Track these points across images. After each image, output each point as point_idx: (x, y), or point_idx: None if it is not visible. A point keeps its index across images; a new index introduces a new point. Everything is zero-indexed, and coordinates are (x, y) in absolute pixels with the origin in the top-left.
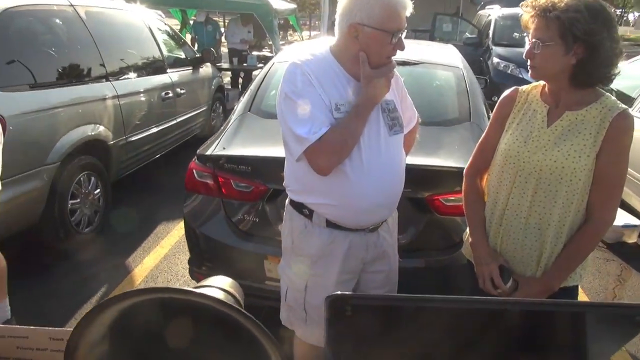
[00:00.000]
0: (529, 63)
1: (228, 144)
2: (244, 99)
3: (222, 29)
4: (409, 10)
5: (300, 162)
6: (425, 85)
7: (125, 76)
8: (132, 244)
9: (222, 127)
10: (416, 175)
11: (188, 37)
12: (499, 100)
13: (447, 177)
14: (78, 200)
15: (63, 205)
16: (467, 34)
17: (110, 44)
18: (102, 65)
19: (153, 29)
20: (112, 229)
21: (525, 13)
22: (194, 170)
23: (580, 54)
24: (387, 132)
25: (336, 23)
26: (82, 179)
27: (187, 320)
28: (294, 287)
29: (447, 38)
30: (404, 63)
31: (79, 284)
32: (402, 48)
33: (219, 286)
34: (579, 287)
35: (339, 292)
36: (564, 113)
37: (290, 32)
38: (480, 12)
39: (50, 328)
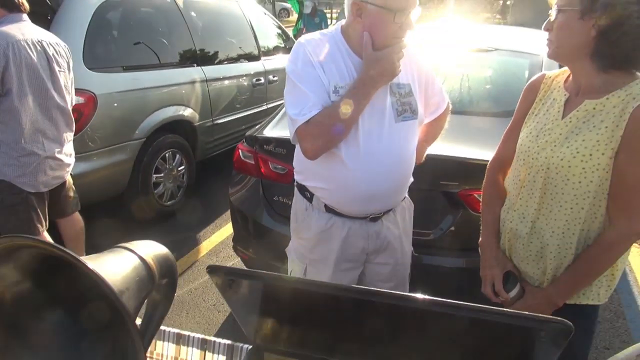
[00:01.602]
0: (547, 37)
1: (272, 127)
2: None
3: (332, 21)
4: None
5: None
6: (491, 74)
7: (216, 62)
8: (207, 219)
9: (276, 110)
10: (451, 168)
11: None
12: (524, 87)
13: (484, 172)
14: (162, 174)
15: (147, 178)
16: None
17: (205, 31)
18: (194, 51)
19: (252, 18)
20: (192, 203)
21: None
22: (240, 150)
23: (602, 22)
24: (394, 118)
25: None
26: (167, 155)
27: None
28: (295, 269)
29: None
30: (475, 50)
31: None
32: (409, 28)
33: (141, 253)
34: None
35: (214, 264)
36: (583, 102)
37: None
38: None
39: None
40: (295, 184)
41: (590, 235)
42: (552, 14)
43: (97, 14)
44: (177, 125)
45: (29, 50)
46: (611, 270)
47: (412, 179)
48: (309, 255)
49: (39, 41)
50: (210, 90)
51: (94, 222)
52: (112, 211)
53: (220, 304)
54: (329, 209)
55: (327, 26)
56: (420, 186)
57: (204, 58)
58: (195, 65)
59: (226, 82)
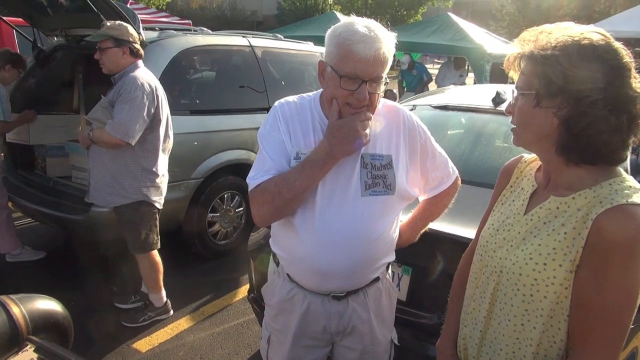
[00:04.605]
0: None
1: None
2: None
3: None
4: (375, 61)
5: None
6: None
7: None
8: None
9: None
10: (454, 247)
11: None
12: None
13: None
14: (218, 214)
15: (202, 216)
16: None
17: (281, 80)
18: (266, 98)
19: None
20: (246, 246)
21: (512, 52)
22: None
23: (565, 111)
24: (360, 191)
25: None
26: (226, 196)
27: None
28: (263, 336)
29: None
30: (475, 110)
31: (190, 286)
32: (359, 97)
33: (13, 307)
34: None
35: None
36: (548, 198)
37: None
38: None
39: None
40: None
41: None
42: (513, 95)
43: (174, 60)
44: (241, 168)
45: (162, 90)
46: None
47: (389, 258)
48: (272, 324)
49: (159, 83)
50: None
51: None
52: (166, 244)
53: (235, 353)
54: (292, 279)
55: (428, 76)
56: (425, 265)
57: None
58: (266, 112)
59: None
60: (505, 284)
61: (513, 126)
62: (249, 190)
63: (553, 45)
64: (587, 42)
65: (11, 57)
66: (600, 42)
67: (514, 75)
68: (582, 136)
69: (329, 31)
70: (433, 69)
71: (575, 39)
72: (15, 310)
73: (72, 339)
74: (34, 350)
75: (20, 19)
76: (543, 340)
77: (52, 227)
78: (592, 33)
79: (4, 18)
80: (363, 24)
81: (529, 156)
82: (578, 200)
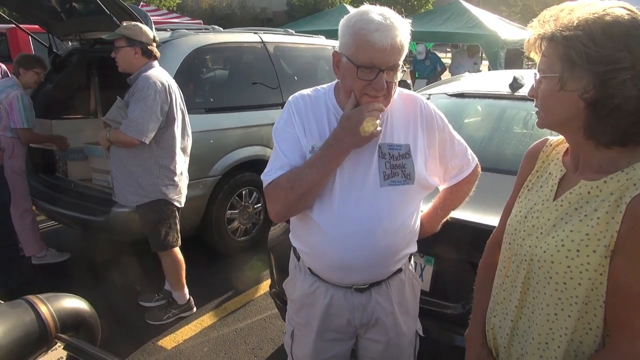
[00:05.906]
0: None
1: None
2: None
3: (447, 60)
4: (391, 50)
5: None
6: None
7: None
8: None
9: None
10: (476, 236)
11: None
12: (525, 153)
13: None
14: (236, 211)
15: (220, 213)
16: None
17: (294, 75)
18: (280, 94)
19: None
20: (265, 241)
21: (531, 33)
22: None
23: (591, 94)
24: (379, 182)
25: None
26: (243, 192)
27: None
28: (287, 331)
29: None
30: (492, 96)
31: (211, 283)
32: (377, 87)
33: (41, 306)
34: None
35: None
36: (579, 182)
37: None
38: None
39: None
40: None
41: (583, 349)
42: (535, 78)
43: (187, 59)
44: (258, 165)
45: (177, 88)
46: None
47: (411, 249)
48: (295, 318)
49: (174, 82)
50: None
51: None
52: (186, 242)
53: (259, 348)
54: (313, 273)
55: (442, 66)
56: (447, 254)
57: None
58: (280, 108)
59: None
60: (537, 272)
61: (537, 109)
62: (264, 186)
63: (575, 24)
64: (611, 18)
65: (22, 61)
66: (626, 17)
67: (535, 57)
68: (610, 118)
69: (342, 21)
70: (446, 58)
71: (598, 16)
72: (43, 309)
73: (100, 337)
74: (64, 348)
75: (36, 26)
76: (578, 327)
77: (75, 229)
78: (616, 8)
79: (20, 25)
80: (377, 12)
81: (554, 138)
82: (610, 184)
